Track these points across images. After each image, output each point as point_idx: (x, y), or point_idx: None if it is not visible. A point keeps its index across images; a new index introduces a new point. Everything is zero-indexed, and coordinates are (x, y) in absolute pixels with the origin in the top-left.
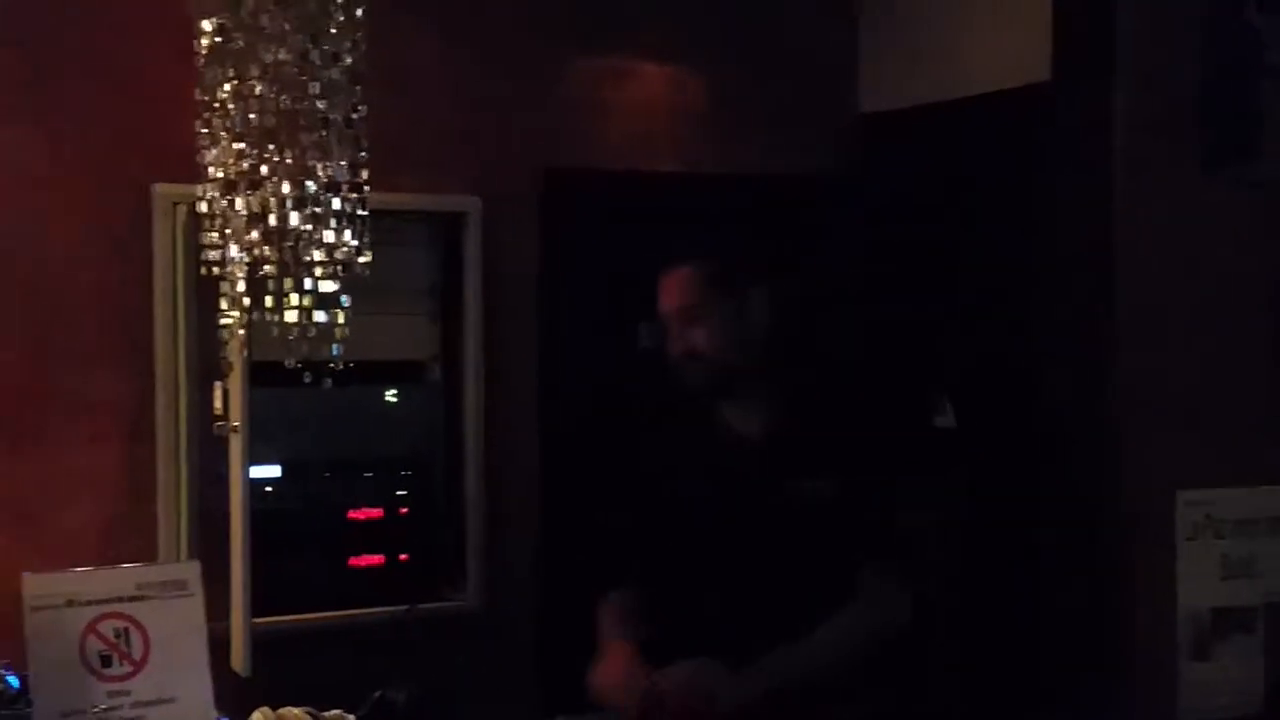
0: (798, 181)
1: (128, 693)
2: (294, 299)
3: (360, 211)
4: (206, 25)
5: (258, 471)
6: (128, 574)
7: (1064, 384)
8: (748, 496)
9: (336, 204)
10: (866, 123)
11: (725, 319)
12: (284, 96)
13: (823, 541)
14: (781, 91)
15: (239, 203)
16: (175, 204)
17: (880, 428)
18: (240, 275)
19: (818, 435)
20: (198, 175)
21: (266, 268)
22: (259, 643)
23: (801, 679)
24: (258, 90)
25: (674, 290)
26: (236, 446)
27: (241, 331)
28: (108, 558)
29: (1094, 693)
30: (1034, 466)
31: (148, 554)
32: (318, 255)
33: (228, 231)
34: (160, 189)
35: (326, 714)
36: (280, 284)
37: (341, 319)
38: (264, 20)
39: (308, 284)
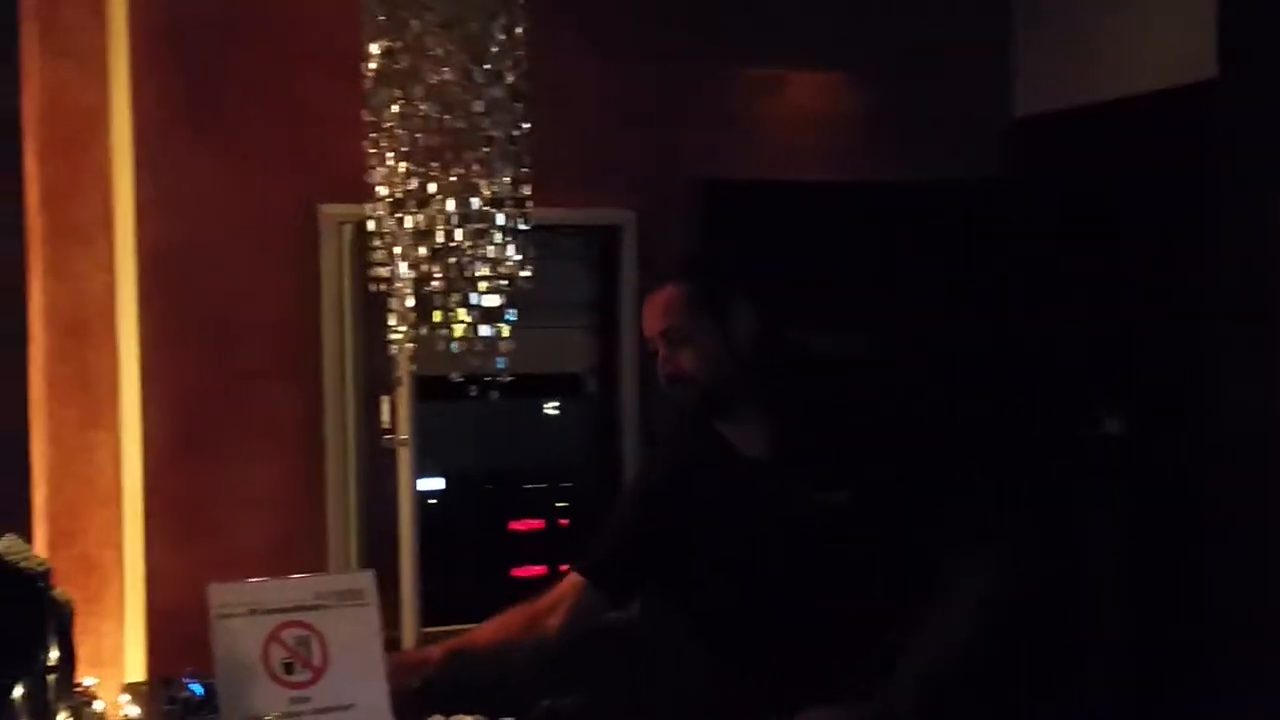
0: (953, 188)
1: (308, 699)
2: (460, 314)
3: (522, 226)
4: (374, 48)
5: (423, 484)
6: (307, 584)
7: (1235, 385)
8: (777, 516)
9: (500, 219)
10: (1022, 127)
11: (711, 340)
12: (448, 115)
13: (877, 548)
14: (935, 97)
15: (406, 220)
16: (341, 223)
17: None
18: (408, 291)
19: (843, 443)
20: (362, 195)
21: (433, 283)
22: None
23: (943, 672)
24: (423, 110)
25: (657, 313)
26: (404, 459)
27: (410, 346)
28: (281, 569)
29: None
30: (1202, 467)
31: (319, 565)
32: (482, 270)
33: (395, 249)
34: (327, 209)
35: None
36: (446, 299)
37: (505, 332)
38: (429, 42)
39: (473, 299)
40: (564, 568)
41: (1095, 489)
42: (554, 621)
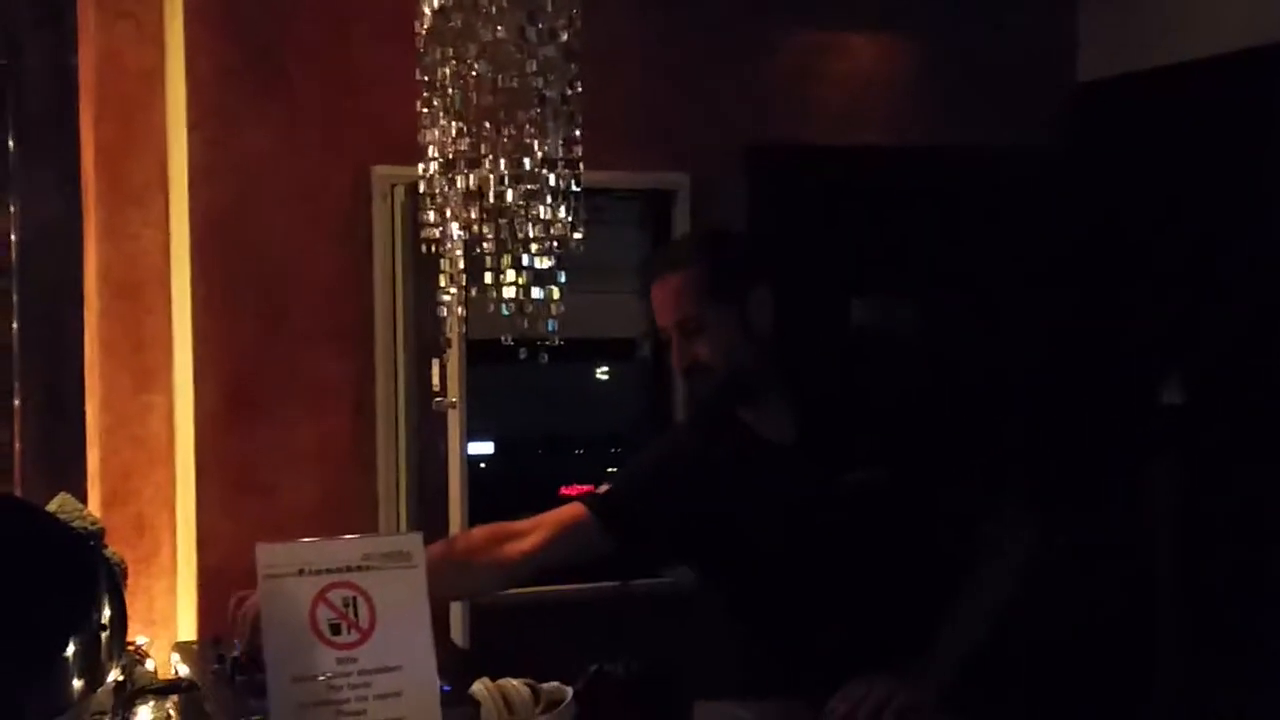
0: (1014, 154)
1: (355, 660)
2: (510, 275)
3: (574, 188)
4: (426, 7)
5: (473, 448)
6: (355, 545)
7: None
8: (804, 499)
9: (552, 180)
10: (1086, 91)
11: (728, 327)
12: (501, 75)
13: (908, 526)
14: (995, 60)
15: (458, 181)
16: (393, 185)
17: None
18: (459, 253)
19: (872, 422)
20: (416, 157)
21: (484, 245)
22: (476, 616)
23: (975, 648)
24: (475, 70)
25: (669, 303)
26: (454, 422)
27: (460, 308)
28: (331, 530)
29: None
30: (1265, 440)
31: (369, 527)
32: (533, 232)
33: (446, 210)
34: (379, 170)
35: (544, 685)
36: (498, 261)
37: (557, 295)
38: (481, 0)
39: (524, 261)
40: None
41: (1156, 461)
42: (525, 545)
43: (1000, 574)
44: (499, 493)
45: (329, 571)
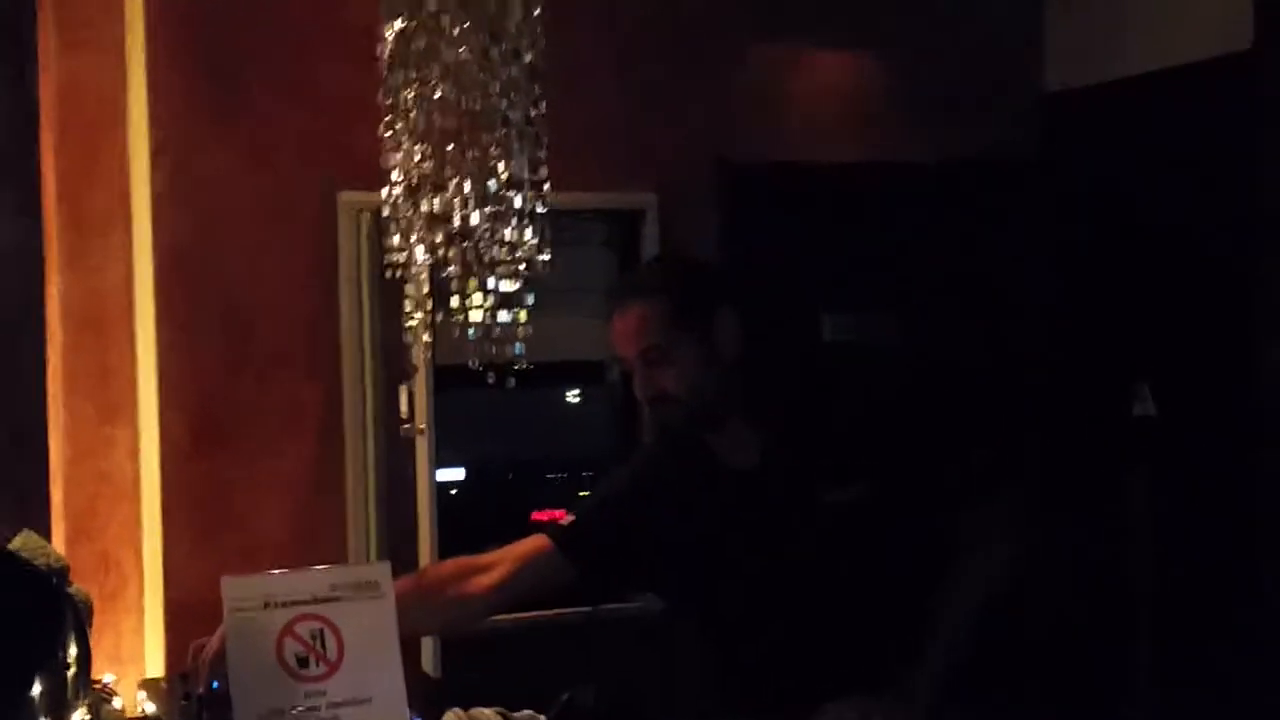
0: (981, 167)
1: (323, 693)
2: (477, 299)
3: (540, 209)
4: (388, 31)
5: (444, 474)
6: (322, 575)
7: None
8: (772, 525)
9: (517, 202)
10: (1053, 101)
11: (694, 355)
12: (465, 97)
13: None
14: (962, 72)
15: (422, 204)
16: (360, 211)
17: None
18: (424, 277)
19: (841, 444)
20: (382, 183)
21: (449, 269)
22: (447, 645)
23: (956, 669)
24: (439, 92)
25: (633, 333)
26: (422, 449)
27: (425, 334)
28: (301, 561)
29: None
30: (1246, 449)
31: (339, 556)
32: (499, 255)
33: (411, 234)
34: (345, 196)
35: (517, 715)
36: (464, 284)
37: (524, 318)
38: (444, 21)
39: (490, 284)
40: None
41: (1129, 472)
42: (490, 579)
43: (980, 588)
44: (471, 519)
45: (296, 604)
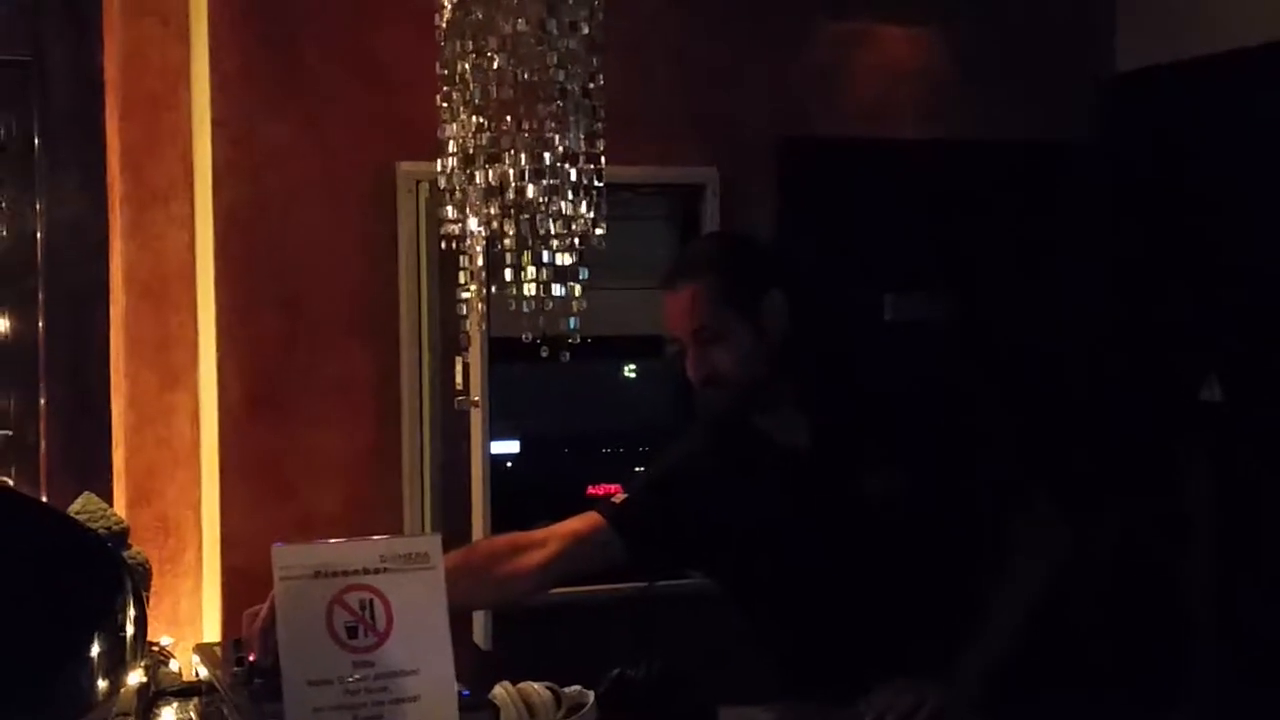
0: (1050, 148)
1: (372, 664)
2: (531, 272)
3: (597, 183)
4: (446, 1)
5: (498, 447)
6: (372, 546)
7: None
8: (823, 505)
9: (573, 175)
10: (1124, 82)
11: (744, 335)
12: (522, 68)
13: (934, 524)
14: (1031, 51)
15: (477, 176)
16: (418, 181)
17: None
18: (479, 249)
19: (892, 426)
20: (438, 152)
21: (504, 241)
22: (499, 617)
23: (1008, 658)
24: (496, 63)
25: (685, 312)
26: (477, 421)
27: (480, 305)
28: (356, 531)
29: None
30: None
31: (394, 527)
32: (554, 228)
33: (466, 207)
34: (404, 167)
35: (566, 689)
36: (518, 257)
37: (578, 292)
38: None
39: (545, 257)
40: None
41: (1193, 458)
42: (540, 556)
43: (1032, 576)
44: (524, 492)
45: (346, 574)
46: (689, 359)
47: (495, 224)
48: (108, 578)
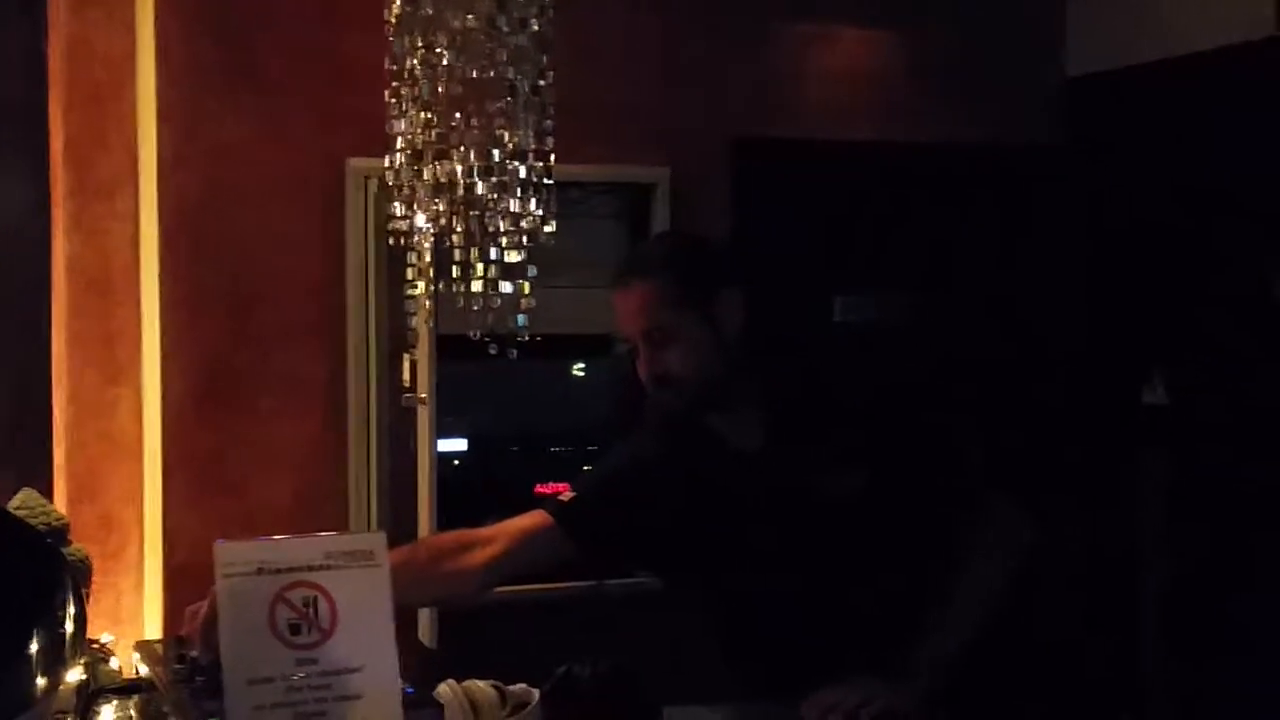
0: (1000, 151)
1: (315, 661)
2: (479, 269)
3: (546, 180)
4: None
5: (446, 445)
6: (316, 543)
7: None
8: (776, 506)
9: (522, 172)
10: (1074, 87)
11: (697, 335)
12: (471, 65)
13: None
14: (985, 55)
15: (425, 172)
16: (367, 177)
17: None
18: (427, 245)
19: (846, 426)
20: (388, 148)
21: (453, 238)
22: (445, 615)
23: (960, 651)
24: (445, 59)
25: (637, 312)
26: (424, 419)
27: (428, 302)
28: (302, 528)
29: None
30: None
31: (340, 525)
32: (503, 225)
33: (414, 203)
34: (354, 163)
35: (511, 688)
36: (466, 254)
37: (527, 290)
38: None
39: (493, 254)
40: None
41: (1140, 459)
42: (487, 554)
43: (987, 574)
44: (472, 490)
45: (289, 570)
46: (640, 359)
47: (444, 220)
48: (47, 574)
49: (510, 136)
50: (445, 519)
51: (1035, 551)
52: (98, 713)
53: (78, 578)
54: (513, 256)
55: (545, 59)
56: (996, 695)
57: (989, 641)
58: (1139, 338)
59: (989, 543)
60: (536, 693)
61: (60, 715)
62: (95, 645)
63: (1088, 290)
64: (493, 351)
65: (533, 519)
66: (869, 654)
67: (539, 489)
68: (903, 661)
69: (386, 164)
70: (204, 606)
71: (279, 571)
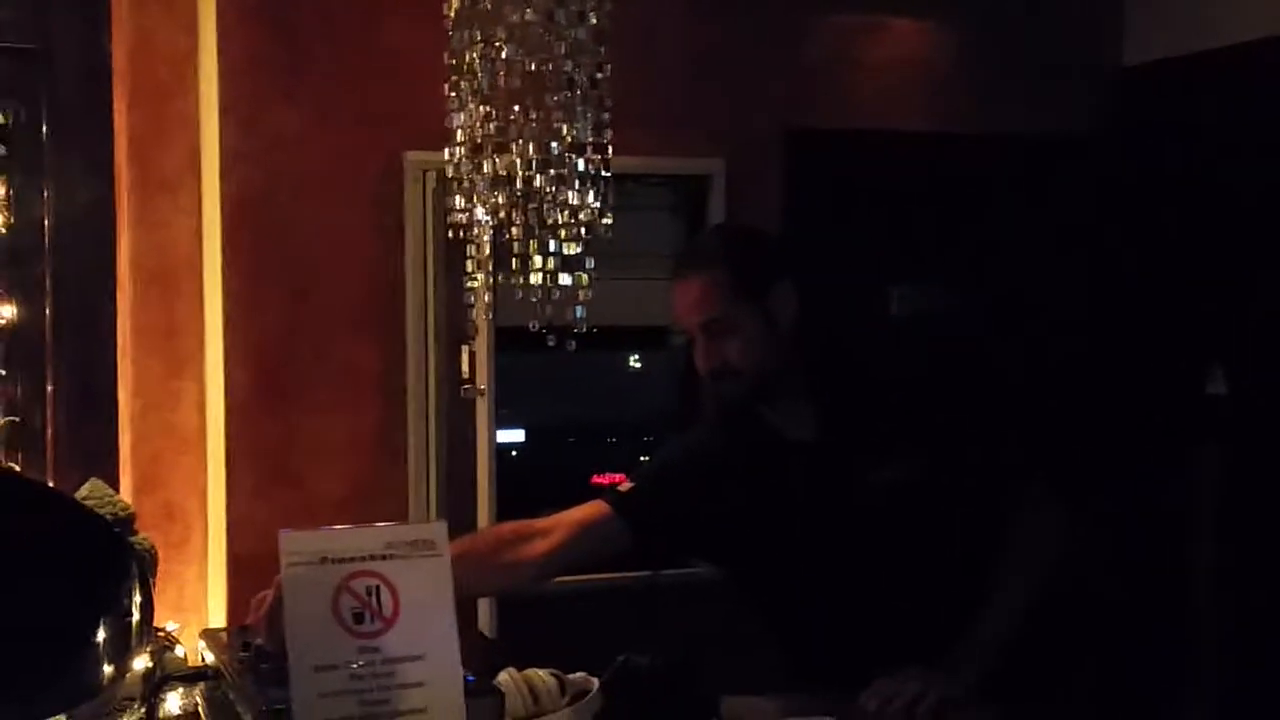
0: (1056, 141)
1: (378, 649)
2: (537, 262)
3: (604, 173)
4: None
5: (504, 436)
6: (378, 533)
7: None
8: (830, 497)
9: (580, 165)
10: (1130, 75)
11: (754, 326)
12: (530, 58)
13: (937, 520)
14: (1038, 43)
15: (485, 165)
16: (425, 170)
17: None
18: (486, 238)
19: (899, 419)
20: (446, 141)
21: (511, 230)
22: (505, 606)
23: (1010, 638)
24: (504, 52)
25: (694, 304)
26: (483, 410)
27: (486, 294)
28: (361, 518)
29: None
30: None
31: (399, 515)
32: (561, 217)
33: (473, 196)
34: (411, 156)
35: (571, 676)
36: (525, 246)
37: (585, 282)
38: None
39: (552, 246)
40: None
41: (1198, 451)
42: (546, 544)
43: (1034, 565)
44: (529, 481)
45: (352, 560)
46: (698, 350)
47: (502, 213)
48: (113, 563)
49: (568, 130)
50: (503, 510)
51: (1080, 541)
52: (164, 699)
53: (144, 567)
54: (571, 249)
55: (603, 52)
56: (1044, 681)
57: (1037, 628)
58: (1200, 328)
59: (1037, 531)
60: (596, 681)
61: (127, 702)
62: (161, 633)
63: (1145, 280)
64: (551, 343)
65: (591, 510)
66: (921, 642)
67: (595, 479)
68: (954, 649)
69: (446, 157)
70: (269, 595)
71: (342, 561)
